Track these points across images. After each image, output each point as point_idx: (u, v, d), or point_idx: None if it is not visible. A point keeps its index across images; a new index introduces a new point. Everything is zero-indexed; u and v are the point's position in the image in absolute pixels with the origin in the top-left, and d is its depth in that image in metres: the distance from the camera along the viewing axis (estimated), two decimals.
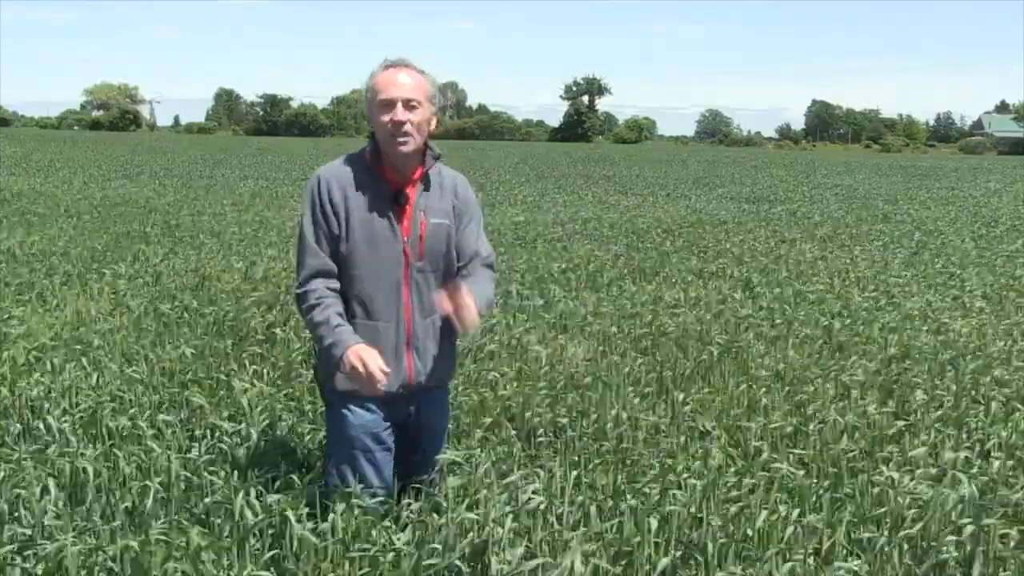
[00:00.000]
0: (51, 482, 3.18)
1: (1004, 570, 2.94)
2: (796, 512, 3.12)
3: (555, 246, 10.97)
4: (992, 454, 3.95)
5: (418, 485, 3.08)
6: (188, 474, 3.36)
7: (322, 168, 3.02)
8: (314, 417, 4.11)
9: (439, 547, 2.77)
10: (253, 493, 3.03)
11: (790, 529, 3.00)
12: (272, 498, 2.92)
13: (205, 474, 3.36)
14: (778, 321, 6.55)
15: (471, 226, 3.05)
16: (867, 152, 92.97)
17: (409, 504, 2.95)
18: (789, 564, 2.78)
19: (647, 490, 3.25)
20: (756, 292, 8.02)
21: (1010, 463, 3.76)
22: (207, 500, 3.11)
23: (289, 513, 2.83)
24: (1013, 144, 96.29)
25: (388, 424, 3.06)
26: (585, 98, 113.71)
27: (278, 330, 5.78)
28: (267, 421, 4.07)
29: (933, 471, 3.63)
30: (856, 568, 2.83)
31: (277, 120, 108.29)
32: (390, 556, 2.74)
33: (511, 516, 2.92)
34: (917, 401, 4.63)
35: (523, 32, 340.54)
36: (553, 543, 2.85)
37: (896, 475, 3.46)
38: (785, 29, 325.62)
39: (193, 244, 10.44)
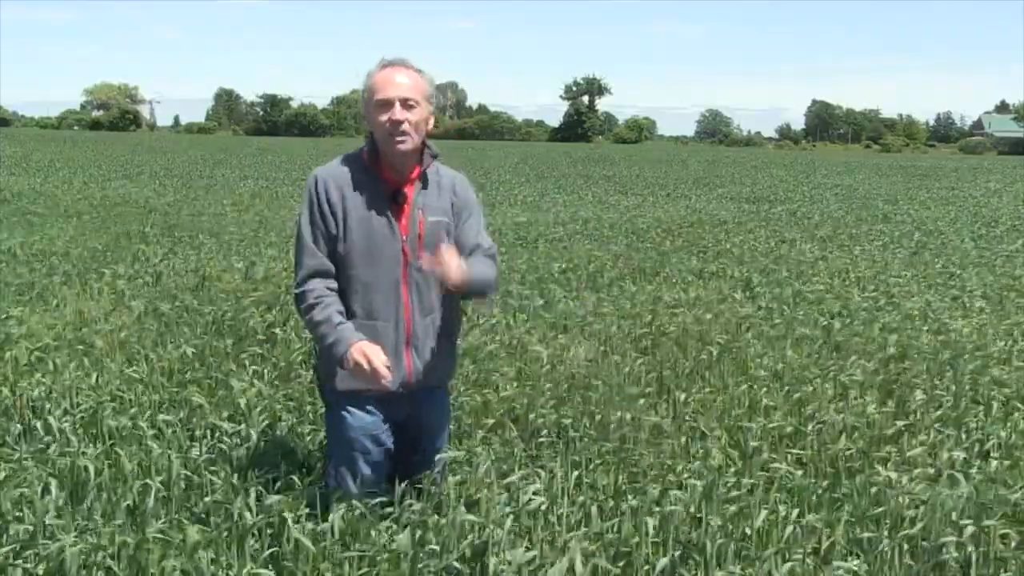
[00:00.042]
0: (52, 481, 3.18)
1: (1006, 571, 2.94)
2: (796, 512, 3.12)
3: (556, 246, 10.97)
4: (991, 454, 3.96)
5: (420, 485, 3.08)
6: (189, 473, 3.36)
7: (320, 168, 3.02)
8: (314, 418, 4.11)
9: (438, 548, 2.77)
10: (253, 493, 3.03)
11: (789, 529, 3.00)
12: (274, 498, 2.92)
13: (206, 473, 3.36)
14: (777, 321, 6.55)
15: (470, 221, 3.03)
16: (867, 152, 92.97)
17: (411, 505, 2.95)
18: (788, 564, 2.78)
19: (648, 489, 3.26)
20: (756, 292, 8.02)
21: (1007, 463, 3.76)
22: (207, 499, 3.12)
23: (287, 514, 2.83)
24: (1013, 144, 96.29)
25: (387, 425, 3.07)
26: (585, 98, 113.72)
27: (278, 330, 5.79)
28: (267, 422, 4.08)
29: (932, 471, 3.63)
30: (855, 568, 2.83)
31: (277, 120, 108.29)
32: (386, 556, 2.74)
33: (511, 517, 2.92)
34: (916, 401, 4.64)
35: (523, 32, 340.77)
36: (553, 543, 2.85)
37: (894, 475, 3.46)
38: (785, 29, 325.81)
39: (193, 244, 10.44)
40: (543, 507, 3.02)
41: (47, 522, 2.88)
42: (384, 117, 2.87)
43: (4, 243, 9.82)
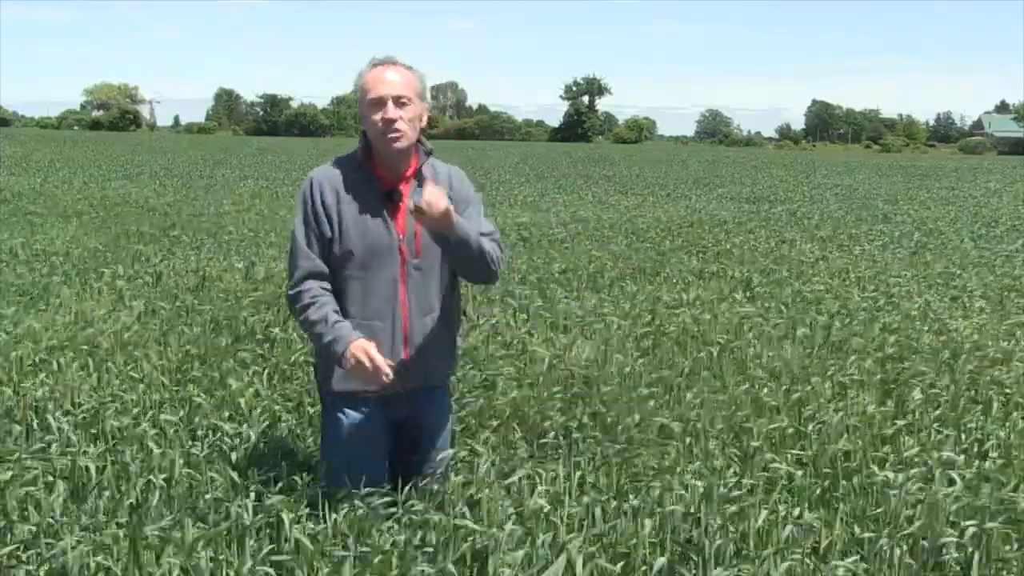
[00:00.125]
0: (58, 482, 3.19)
1: (1009, 573, 2.94)
2: (796, 512, 3.12)
3: (558, 247, 10.97)
4: (990, 454, 3.96)
5: (422, 486, 3.08)
6: (191, 471, 3.36)
7: (315, 170, 3.02)
8: (314, 418, 4.11)
9: (436, 550, 2.77)
10: (253, 493, 3.03)
11: (788, 528, 3.00)
12: (275, 498, 2.93)
13: (208, 472, 3.36)
14: (779, 321, 6.55)
15: (468, 211, 2.97)
16: (867, 152, 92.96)
17: (412, 505, 2.95)
18: (786, 564, 2.78)
19: (650, 488, 3.26)
20: (756, 292, 8.03)
21: (999, 461, 3.77)
22: (207, 497, 3.12)
23: (284, 515, 2.83)
24: (1013, 144, 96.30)
25: (385, 425, 3.07)
26: (585, 98, 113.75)
27: (276, 329, 5.79)
28: (267, 422, 4.08)
29: (935, 471, 3.63)
30: (853, 567, 2.83)
31: (277, 120, 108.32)
32: (381, 558, 2.74)
33: (512, 518, 2.92)
34: (915, 400, 4.64)
35: (523, 32, 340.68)
36: (554, 544, 2.85)
37: (892, 475, 3.47)
38: (785, 29, 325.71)
39: (192, 244, 10.44)
40: (545, 509, 3.01)
41: (50, 521, 2.89)
42: (377, 116, 2.86)
43: (4, 243, 9.83)
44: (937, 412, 4.47)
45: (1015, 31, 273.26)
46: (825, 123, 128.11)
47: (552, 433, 4.01)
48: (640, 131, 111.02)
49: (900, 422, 4.30)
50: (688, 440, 4.05)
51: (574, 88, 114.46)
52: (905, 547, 2.98)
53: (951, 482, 3.37)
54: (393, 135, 2.86)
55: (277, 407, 4.32)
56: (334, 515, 2.87)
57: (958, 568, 2.93)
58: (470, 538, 2.80)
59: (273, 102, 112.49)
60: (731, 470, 3.64)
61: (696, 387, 4.78)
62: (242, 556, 2.70)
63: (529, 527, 2.92)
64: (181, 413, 4.19)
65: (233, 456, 3.64)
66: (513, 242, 11.04)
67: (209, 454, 3.62)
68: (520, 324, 6.30)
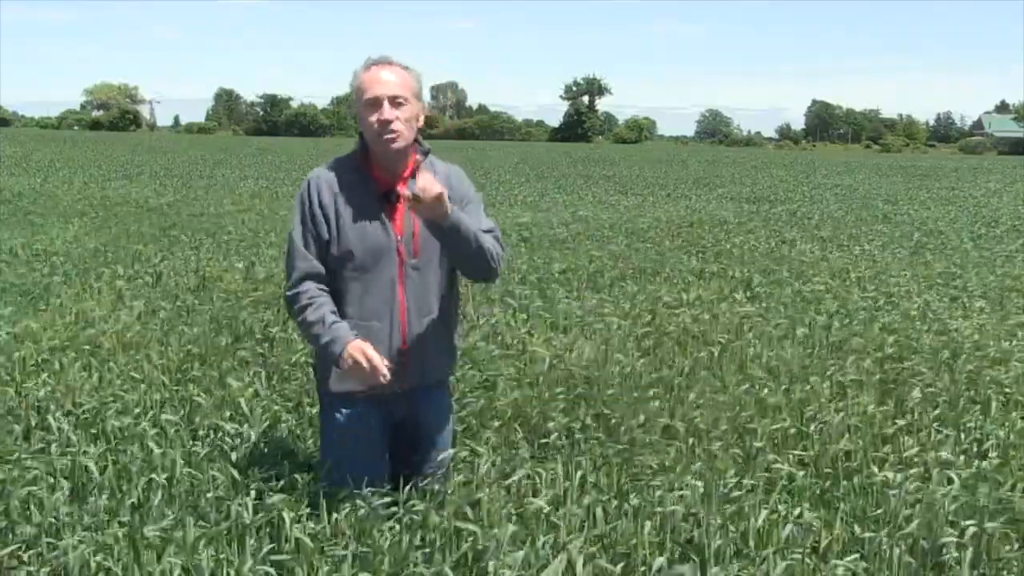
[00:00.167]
0: (54, 480, 3.19)
1: (1009, 573, 2.94)
2: (796, 512, 3.13)
3: (560, 247, 10.97)
4: (990, 454, 3.96)
5: (423, 485, 3.08)
6: (192, 470, 3.37)
7: (313, 172, 3.01)
8: (314, 418, 4.11)
9: (436, 550, 2.77)
10: (254, 492, 3.04)
11: (788, 527, 3.00)
12: (277, 497, 2.93)
13: (210, 471, 3.37)
14: (780, 321, 6.55)
15: (468, 208, 2.96)
16: (867, 152, 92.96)
17: (413, 505, 2.95)
18: (785, 563, 2.78)
19: (651, 488, 3.26)
20: (756, 292, 8.03)
21: (995, 461, 3.77)
22: (209, 495, 3.12)
23: (284, 513, 2.83)
24: (1013, 144, 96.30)
25: (383, 426, 3.07)
26: (585, 98, 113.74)
27: (275, 329, 5.80)
28: (268, 422, 4.08)
29: (932, 471, 3.63)
30: (852, 567, 2.84)
31: (277, 120, 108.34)
32: (378, 558, 2.74)
33: (513, 519, 2.92)
34: (914, 400, 4.65)
35: (523, 32, 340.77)
36: (555, 545, 2.85)
37: (892, 475, 3.47)
38: (785, 29, 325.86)
39: (192, 244, 10.45)
40: (545, 510, 3.01)
41: (52, 520, 2.89)
42: (374, 117, 2.85)
43: (5, 243, 9.83)
44: (936, 412, 4.47)
45: (1015, 31, 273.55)
46: (825, 123, 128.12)
47: (555, 435, 4.00)
48: (640, 131, 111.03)
49: (900, 422, 4.31)
50: (691, 441, 4.04)
51: (574, 88, 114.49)
52: (904, 546, 2.98)
53: (949, 481, 3.38)
54: (390, 136, 2.86)
55: (277, 407, 4.32)
56: (335, 515, 2.87)
57: (958, 568, 2.93)
58: (470, 539, 2.80)
59: (273, 102, 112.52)
60: (731, 471, 3.63)
61: (697, 387, 4.78)
62: (242, 555, 2.71)
63: (530, 527, 2.92)
64: (182, 413, 4.19)
65: (233, 456, 3.64)
66: (514, 243, 11.04)
67: (210, 452, 3.62)
68: (520, 324, 6.30)
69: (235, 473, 3.28)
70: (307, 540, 2.74)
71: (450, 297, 3.09)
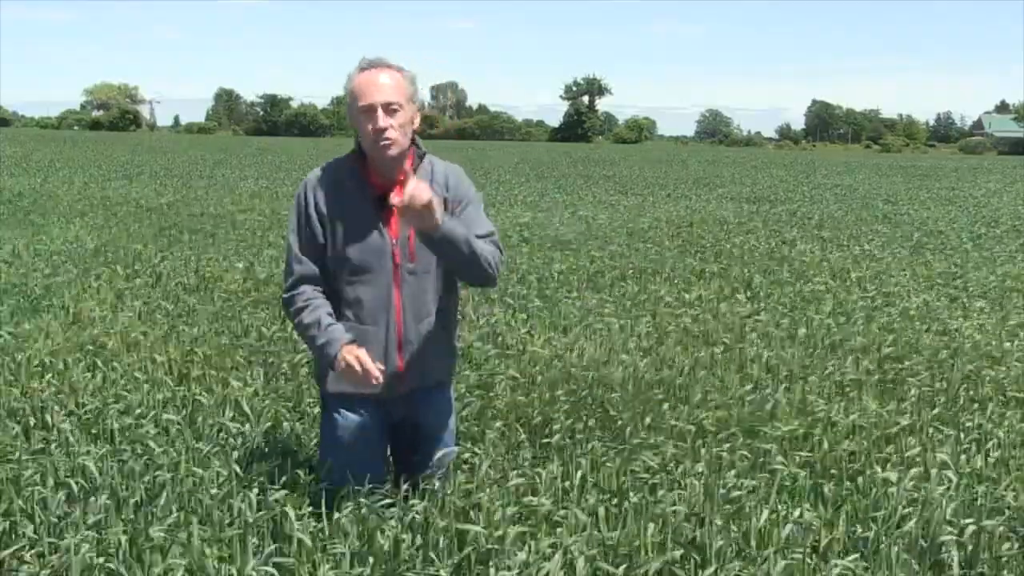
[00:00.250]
0: (53, 480, 3.20)
1: (1009, 573, 2.95)
2: (797, 512, 3.13)
3: (559, 248, 10.96)
4: (990, 454, 3.97)
5: (424, 486, 3.08)
6: (196, 469, 3.37)
7: (310, 174, 3.02)
8: (315, 418, 4.12)
9: (434, 551, 2.77)
10: (255, 491, 3.04)
11: (788, 527, 3.01)
12: (279, 495, 2.94)
13: (212, 468, 3.37)
14: (780, 321, 6.56)
15: (467, 209, 2.95)
16: (867, 152, 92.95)
17: (414, 505, 2.96)
18: (784, 562, 2.79)
19: (654, 488, 3.26)
20: (757, 292, 8.03)
21: (991, 460, 3.78)
22: (212, 491, 3.13)
23: (289, 511, 2.83)
24: (1013, 144, 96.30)
25: (382, 426, 3.07)
26: (585, 98, 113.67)
27: (275, 327, 5.80)
28: (269, 423, 4.09)
29: (932, 470, 3.64)
30: (852, 566, 2.84)
31: (277, 120, 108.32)
32: (376, 559, 2.74)
33: (513, 519, 2.92)
34: (910, 398, 4.65)
35: (523, 32, 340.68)
36: (556, 546, 2.85)
37: (892, 475, 3.47)
38: (785, 29, 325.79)
39: (192, 244, 10.45)
40: (546, 512, 3.02)
41: (53, 521, 2.89)
42: (369, 125, 2.84)
43: (5, 243, 9.84)
44: (935, 412, 4.48)
45: (1015, 31, 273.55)
46: (825, 123, 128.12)
47: (557, 435, 4.00)
48: (640, 131, 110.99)
49: (903, 421, 4.31)
50: (698, 442, 4.03)
51: (574, 88, 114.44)
52: (903, 545, 2.98)
53: (944, 480, 3.38)
54: (385, 143, 2.84)
55: (276, 406, 4.32)
56: (336, 514, 2.88)
57: (957, 567, 2.94)
58: (471, 539, 2.80)
59: (273, 102, 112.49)
60: (732, 471, 3.63)
61: (699, 387, 4.78)
62: (244, 555, 2.72)
63: (530, 528, 2.93)
64: (184, 412, 4.20)
65: (235, 455, 3.65)
66: (515, 243, 11.04)
67: (211, 450, 3.63)
68: (520, 324, 6.30)
69: (238, 469, 3.29)
70: (307, 539, 2.74)
71: (449, 299, 3.09)
